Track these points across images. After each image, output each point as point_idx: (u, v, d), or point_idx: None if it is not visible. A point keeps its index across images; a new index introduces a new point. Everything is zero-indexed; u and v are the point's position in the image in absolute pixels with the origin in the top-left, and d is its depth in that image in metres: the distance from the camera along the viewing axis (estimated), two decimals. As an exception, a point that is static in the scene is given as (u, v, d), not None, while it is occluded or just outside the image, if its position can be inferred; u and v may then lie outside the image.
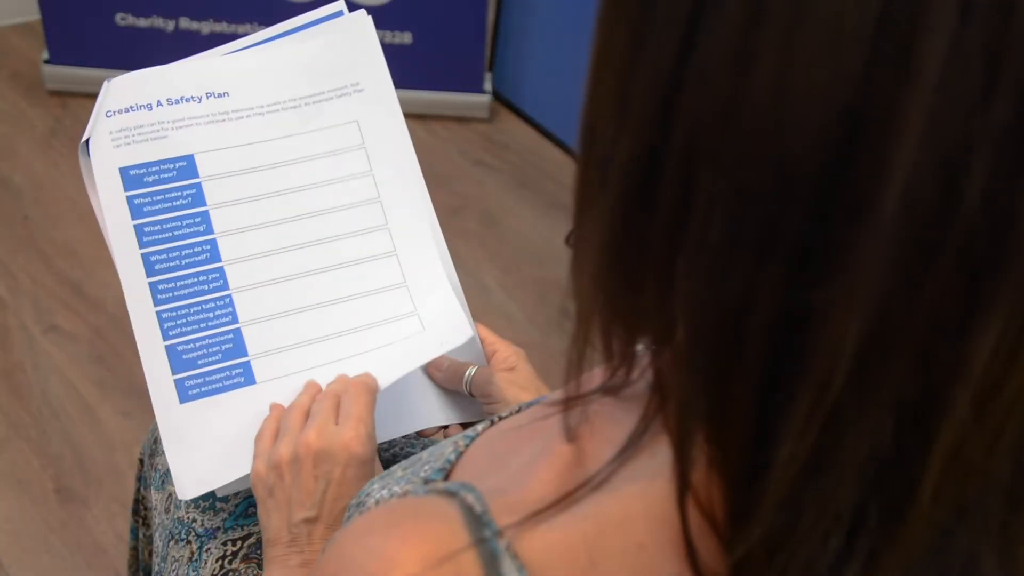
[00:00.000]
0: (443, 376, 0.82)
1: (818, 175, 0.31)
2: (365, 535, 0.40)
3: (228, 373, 0.78)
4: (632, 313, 0.39)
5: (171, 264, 0.78)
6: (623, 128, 0.35)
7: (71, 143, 1.96)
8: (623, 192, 0.35)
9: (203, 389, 0.77)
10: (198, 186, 0.80)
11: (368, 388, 0.74)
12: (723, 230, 0.33)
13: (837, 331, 0.31)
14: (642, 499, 0.39)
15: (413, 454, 0.88)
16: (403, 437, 0.86)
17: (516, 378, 0.80)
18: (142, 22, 2.05)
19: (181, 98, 0.81)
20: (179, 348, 0.77)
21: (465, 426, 0.82)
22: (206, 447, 0.75)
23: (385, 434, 0.80)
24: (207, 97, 0.81)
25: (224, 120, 0.81)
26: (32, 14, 2.21)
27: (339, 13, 0.83)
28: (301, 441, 0.69)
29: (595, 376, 0.42)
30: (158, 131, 0.80)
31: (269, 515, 0.69)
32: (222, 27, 2.06)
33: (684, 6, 0.32)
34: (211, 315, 0.78)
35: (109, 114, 0.79)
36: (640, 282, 0.37)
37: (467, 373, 0.80)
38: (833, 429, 0.33)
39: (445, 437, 0.83)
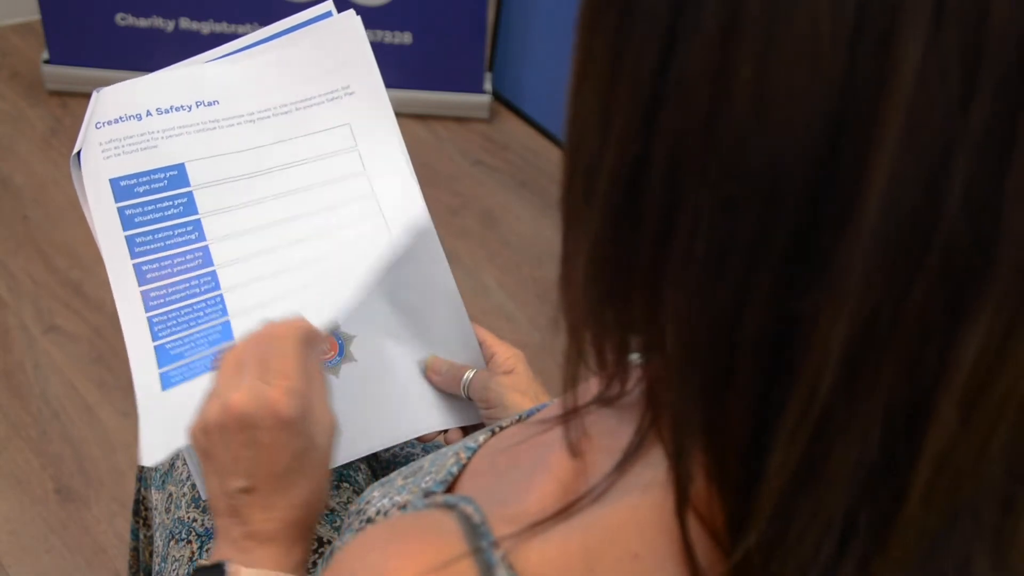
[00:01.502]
0: (441, 380, 0.81)
1: (803, 183, 0.31)
2: (366, 552, 0.40)
3: (214, 356, 0.78)
4: (620, 324, 0.38)
5: (163, 272, 0.78)
6: (607, 140, 0.35)
7: (71, 143, 1.96)
8: (609, 204, 0.35)
9: (186, 375, 0.76)
10: (189, 195, 0.79)
11: (297, 335, 0.63)
12: (710, 242, 0.32)
13: (824, 337, 0.31)
14: (636, 508, 0.39)
15: (412, 454, 0.88)
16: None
17: (515, 382, 0.79)
18: (142, 22, 2.05)
19: (171, 107, 0.80)
20: (167, 347, 0.77)
21: (465, 430, 0.82)
22: (180, 420, 0.74)
23: (384, 440, 0.80)
24: (197, 106, 0.81)
25: (215, 128, 0.81)
26: (32, 14, 2.21)
27: (328, 14, 0.82)
28: (227, 402, 0.61)
29: (591, 386, 0.42)
30: (148, 141, 0.79)
31: (209, 479, 0.64)
32: (222, 27, 2.06)
33: (662, 18, 0.32)
34: (201, 313, 0.78)
35: (99, 125, 0.79)
36: (627, 294, 0.37)
37: (465, 377, 0.79)
38: (822, 436, 0.33)
39: (444, 440, 0.83)
